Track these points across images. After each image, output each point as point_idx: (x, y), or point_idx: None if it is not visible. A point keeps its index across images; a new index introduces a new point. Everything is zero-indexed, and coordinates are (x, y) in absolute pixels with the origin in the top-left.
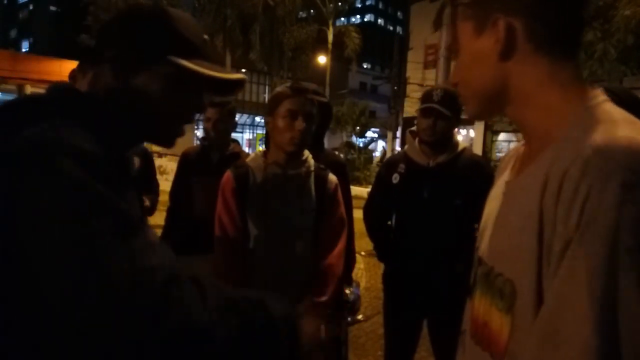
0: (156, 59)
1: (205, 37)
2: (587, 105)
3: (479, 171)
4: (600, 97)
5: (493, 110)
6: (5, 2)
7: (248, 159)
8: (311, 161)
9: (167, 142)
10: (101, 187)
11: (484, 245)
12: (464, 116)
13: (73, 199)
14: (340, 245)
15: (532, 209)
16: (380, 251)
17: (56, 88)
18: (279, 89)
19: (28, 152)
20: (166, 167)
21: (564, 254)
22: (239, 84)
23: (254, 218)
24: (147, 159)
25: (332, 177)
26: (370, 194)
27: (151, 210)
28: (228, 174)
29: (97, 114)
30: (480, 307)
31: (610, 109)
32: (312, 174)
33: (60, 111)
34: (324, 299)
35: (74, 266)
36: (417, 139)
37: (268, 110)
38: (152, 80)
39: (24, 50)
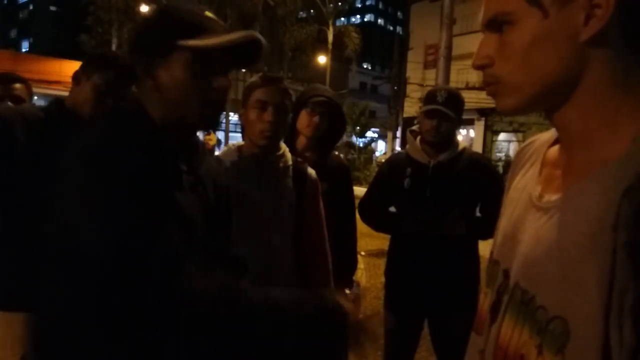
0: (168, 48)
1: (208, 14)
2: None
3: (480, 169)
4: None
5: (540, 105)
6: (5, 2)
7: (221, 153)
8: (288, 155)
9: (208, 125)
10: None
11: (515, 263)
12: (467, 116)
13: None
14: (326, 244)
15: (598, 242)
16: (391, 223)
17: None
18: (251, 79)
19: None
20: None
21: None
22: (254, 47)
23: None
24: None
25: (312, 172)
26: (369, 192)
27: None
28: None
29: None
30: (513, 337)
31: None
32: (290, 169)
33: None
34: None
35: None
36: (418, 138)
37: (242, 102)
38: (174, 70)
39: (24, 50)
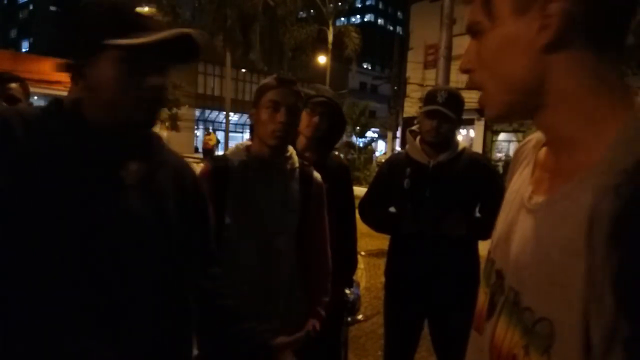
0: (96, 48)
1: (139, 10)
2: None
3: (480, 169)
4: None
5: (521, 112)
6: (5, 2)
7: (228, 152)
8: (295, 158)
9: (145, 124)
10: None
11: (509, 264)
12: (467, 116)
13: None
14: (328, 246)
15: (579, 247)
16: (391, 223)
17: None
18: (265, 80)
19: None
20: None
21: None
22: (190, 44)
23: (234, 214)
24: None
25: (317, 175)
26: (369, 192)
27: None
28: (206, 167)
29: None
30: (507, 337)
31: None
32: (297, 171)
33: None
34: (322, 313)
35: None
36: (417, 138)
37: (253, 102)
38: (104, 70)
39: (24, 50)
